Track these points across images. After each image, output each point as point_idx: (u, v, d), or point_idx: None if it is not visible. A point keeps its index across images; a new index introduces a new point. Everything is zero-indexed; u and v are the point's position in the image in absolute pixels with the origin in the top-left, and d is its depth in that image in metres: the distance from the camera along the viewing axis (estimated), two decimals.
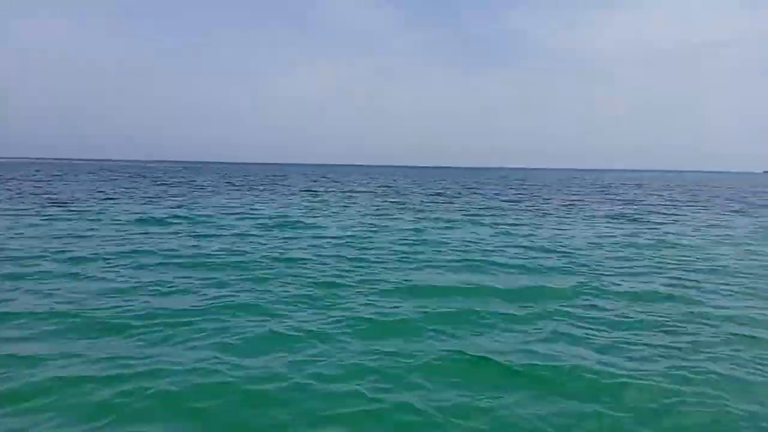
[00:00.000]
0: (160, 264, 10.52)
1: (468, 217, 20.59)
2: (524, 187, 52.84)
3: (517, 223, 19.00)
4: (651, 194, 41.24)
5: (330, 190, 40.36)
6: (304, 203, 26.49)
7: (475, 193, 39.60)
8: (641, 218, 21.35)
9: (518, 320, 7.26)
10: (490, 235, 15.40)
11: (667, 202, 31.78)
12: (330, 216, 20.41)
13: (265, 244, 13.17)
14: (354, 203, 27.30)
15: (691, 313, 7.68)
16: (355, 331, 6.71)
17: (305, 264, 10.81)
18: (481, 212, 22.88)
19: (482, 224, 18.35)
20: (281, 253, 12.00)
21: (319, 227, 16.66)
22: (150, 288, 8.59)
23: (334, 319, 7.16)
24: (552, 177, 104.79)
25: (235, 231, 15.54)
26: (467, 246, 13.35)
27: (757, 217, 22.82)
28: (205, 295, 8.26)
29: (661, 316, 7.48)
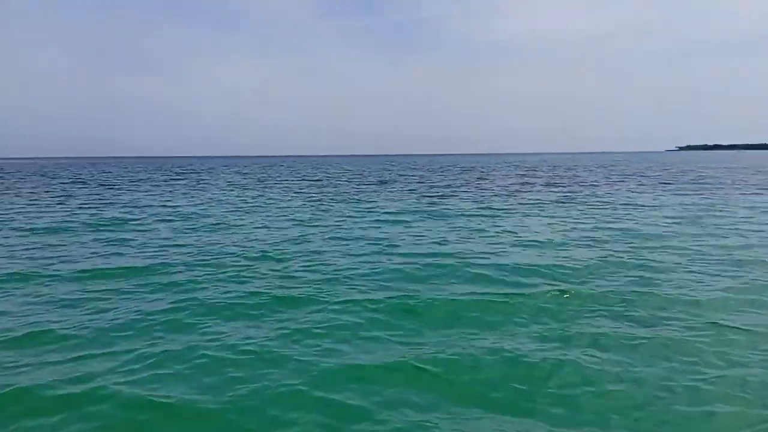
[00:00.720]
0: (61, 282, 8.59)
1: (421, 209, 19.52)
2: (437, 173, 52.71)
3: (458, 213, 18.11)
4: (576, 175, 41.99)
5: (258, 182, 38.20)
6: (230, 199, 24.43)
7: (408, 180, 38.80)
8: (577, 201, 21.11)
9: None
10: (445, 229, 14.35)
11: (597, 182, 32.23)
12: (260, 211, 18.68)
13: (189, 250, 11.37)
14: (285, 196, 25.55)
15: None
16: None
17: (237, 273, 9.22)
18: (411, 199, 21.90)
19: (432, 217, 17.32)
20: (210, 258, 10.37)
21: (250, 227, 14.94)
22: (46, 317, 6.76)
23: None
24: (458, 162, 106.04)
25: (155, 234, 13.60)
26: (419, 243, 12.22)
27: (686, 195, 23.18)
28: (121, 325, 6.55)
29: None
